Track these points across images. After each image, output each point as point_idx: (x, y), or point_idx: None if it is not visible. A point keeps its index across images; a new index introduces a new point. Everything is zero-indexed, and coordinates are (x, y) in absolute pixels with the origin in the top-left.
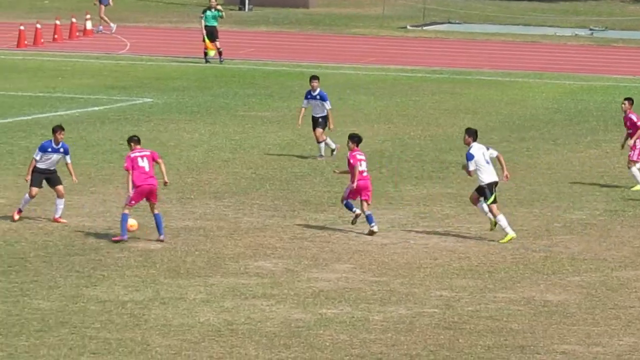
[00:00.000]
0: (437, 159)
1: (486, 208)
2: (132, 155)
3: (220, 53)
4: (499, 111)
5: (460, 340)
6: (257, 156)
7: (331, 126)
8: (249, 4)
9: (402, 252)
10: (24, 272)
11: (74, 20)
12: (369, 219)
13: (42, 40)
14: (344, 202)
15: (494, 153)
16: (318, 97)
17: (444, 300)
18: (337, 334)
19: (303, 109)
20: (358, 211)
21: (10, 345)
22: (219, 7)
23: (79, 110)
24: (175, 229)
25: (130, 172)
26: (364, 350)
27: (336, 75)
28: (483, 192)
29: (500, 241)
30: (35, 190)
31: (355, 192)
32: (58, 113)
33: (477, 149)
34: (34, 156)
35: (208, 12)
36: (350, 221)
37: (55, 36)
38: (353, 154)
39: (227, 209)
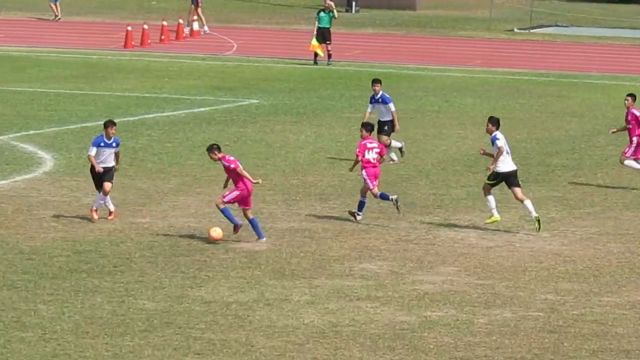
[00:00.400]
0: (543, 162)
1: (492, 203)
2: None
3: (329, 55)
4: (606, 115)
5: (564, 344)
6: None
7: (397, 128)
8: (355, 6)
9: (507, 255)
10: (130, 272)
11: (180, 21)
12: (361, 206)
13: (149, 41)
14: (380, 194)
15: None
16: (380, 100)
17: (549, 304)
18: (441, 336)
19: (368, 113)
20: (394, 196)
21: (115, 345)
22: (333, 8)
23: (185, 111)
24: (280, 230)
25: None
26: (468, 353)
27: (442, 77)
28: (491, 175)
29: (486, 221)
30: (108, 185)
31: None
32: (164, 114)
33: (501, 136)
34: (89, 153)
35: (322, 14)
36: (397, 209)
37: (162, 37)
38: (363, 142)
39: (332, 210)
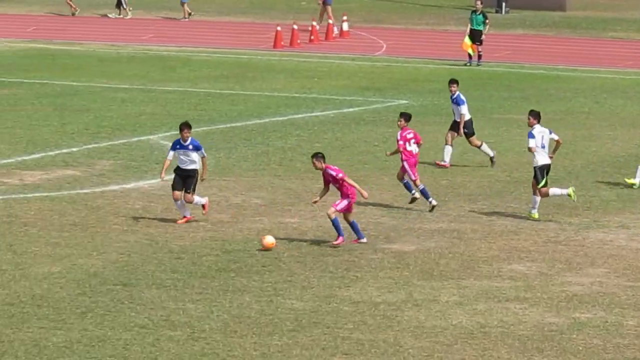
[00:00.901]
0: None
1: (558, 191)
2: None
3: (479, 56)
4: None
5: None
6: (512, 159)
7: (460, 132)
8: (505, 7)
9: None
10: (278, 271)
11: (330, 21)
12: (425, 194)
13: (299, 41)
14: (404, 182)
15: (555, 137)
16: (455, 100)
17: None
18: (590, 338)
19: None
20: (417, 194)
21: (264, 345)
22: (482, 11)
23: (334, 111)
24: (429, 231)
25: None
26: (617, 355)
27: (592, 78)
28: (535, 175)
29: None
30: (177, 193)
31: (404, 170)
32: (313, 114)
33: (538, 131)
34: (167, 157)
35: (473, 15)
36: (409, 201)
37: (312, 37)
38: (404, 134)
39: (481, 211)
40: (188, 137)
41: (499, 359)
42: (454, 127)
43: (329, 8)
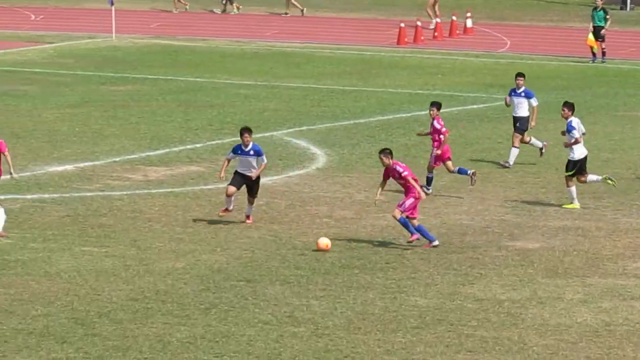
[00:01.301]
0: None
1: (594, 177)
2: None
3: (603, 53)
4: None
5: None
6: (637, 157)
7: (532, 123)
8: (630, 3)
9: None
10: (402, 268)
11: (454, 18)
12: (461, 171)
13: (422, 38)
14: (456, 170)
15: (583, 129)
16: (523, 94)
17: None
18: None
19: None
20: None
21: (387, 342)
22: (602, 7)
23: (457, 108)
24: (553, 228)
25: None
26: None
27: None
28: (568, 165)
29: (565, 205)
30: (231, 189)
31: (438, 159)
32: None
33: (576, 122)
34: (227, 156)
35: (594, 12)
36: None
37: (436, 34)
38: (441, 121)
39: (605, 209)
40: (249, 142)
41: (625, 357)
42: (515, 125)
43: (432, 1)
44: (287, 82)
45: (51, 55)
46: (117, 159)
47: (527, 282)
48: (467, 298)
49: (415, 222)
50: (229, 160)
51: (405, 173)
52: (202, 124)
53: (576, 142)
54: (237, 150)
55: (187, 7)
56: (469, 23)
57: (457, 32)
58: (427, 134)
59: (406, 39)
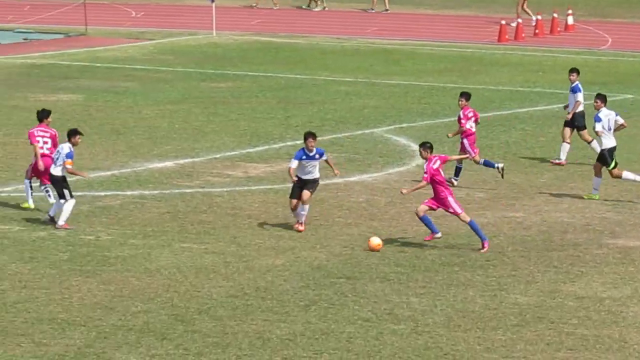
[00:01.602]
0: None
1: (631, 176)
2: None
3: None
4: None
5: None
6: None
7: (568, 116)
8: None
9: None
10: (502, 266)
11: (555, 15)
12: (489, 164)
13: (523, 35)
14: (483, 161)
15: (620, 120)
16: (571, 89)
17: None
18: None
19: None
20: (500, 165)
21: (488, 339)
22: None
23: (558, 105)
24: None
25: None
26: None
27: None
28: (604, 159)
29: (585, 195)
30: (294, 202)
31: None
32: (538, 108)
33: (605, 114)
34: (290, 165)
35: None
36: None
37: (537, 31)
38: (465, 112)
39: None
40: (313, 147)
41: None
42: (569, 122)
43: (525, 2)
44: (388, 79)
45: (151, 51)
46: (217, 156)
47: (628, 280)
48: (567, 296)
49: (422, 212)
50: (294, 169)
51: (431, 170)
52: (302, 120)
53: (597, 134)
54: (302, 155)
55: (277, 5)
56: (570, 20)
57: (558, 29)
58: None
59: (507, 36)
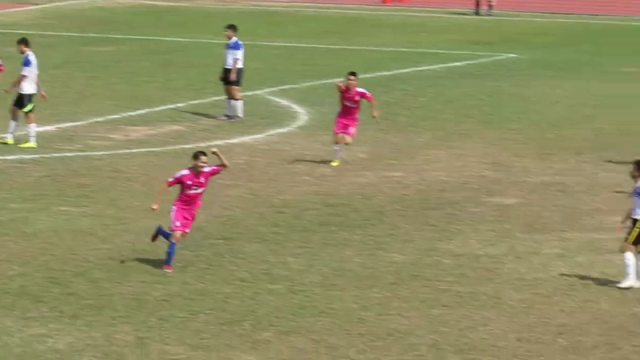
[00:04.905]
0: None
1: None
2: None
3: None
4: None
5: None
6: (620, 112)
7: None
8: None
9: None
10: (380, 225)
11: None
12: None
13: None
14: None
15: None
16: (228, 46)
17: None
18: None
19: None
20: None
21: (363, 297)
22: None
23: (440, 65)
24: (532, 184)
25: None
26: None
27: None
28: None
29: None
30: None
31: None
32: (419, 68)
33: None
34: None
35: None
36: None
37: None
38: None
39: (586, 164)
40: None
41: (599, 310)
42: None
43: None
44: (270, 41)
45: (37, 16)
46: (98, 119)
47: (504, 237)
48: (444, 254)
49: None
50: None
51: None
52: (183, 83)
53: None
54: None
55: None
56: None
57: None
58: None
59: None
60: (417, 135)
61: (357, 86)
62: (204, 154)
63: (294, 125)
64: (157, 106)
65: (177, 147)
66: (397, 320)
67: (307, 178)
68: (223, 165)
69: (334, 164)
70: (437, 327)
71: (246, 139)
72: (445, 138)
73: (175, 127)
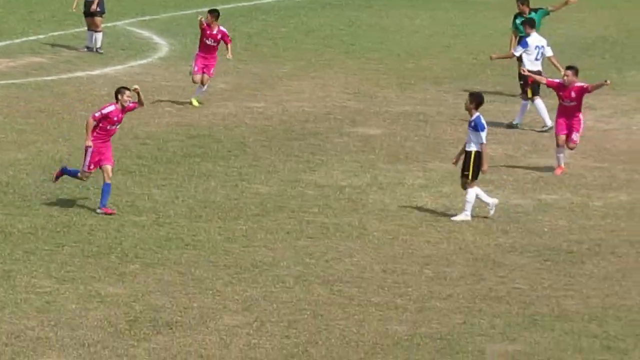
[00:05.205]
0: None
1: None
2: None
3: None
4: None
5: None
6: (479, 42)
7: None
8: None
9: (624, 138)
10: (243, 156)
11: None
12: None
13: None
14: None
15: None
16: None
17: None
18: (555, 219)
19: None
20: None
21: (228, 229)
22: None
23: None
24: (394, 114)
25: None
26: (583, 236)
27: None
28: None
29: None
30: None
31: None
32: None
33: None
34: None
35: None
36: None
37: None
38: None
39: (447, 94)
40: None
41: (464, 241)
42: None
43: None
44: None
45: None
46: None
47: (369, 168)
48: (308, 185)
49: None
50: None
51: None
52: (45, 15)
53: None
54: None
55: None
56: None
57: None
58: None
59: None
60: (278, 65)
61: (218, 25)
62: (128, 89)
63: (155, 57)
64: (18, 38)
65: (39, 79)
66: (262, 252)
67: (169, 109)
68: (141, 103)
69: (195, 103)
70: (303, 259)
71: (108, 70)
72: (307, 68)
73: (37, 59)
